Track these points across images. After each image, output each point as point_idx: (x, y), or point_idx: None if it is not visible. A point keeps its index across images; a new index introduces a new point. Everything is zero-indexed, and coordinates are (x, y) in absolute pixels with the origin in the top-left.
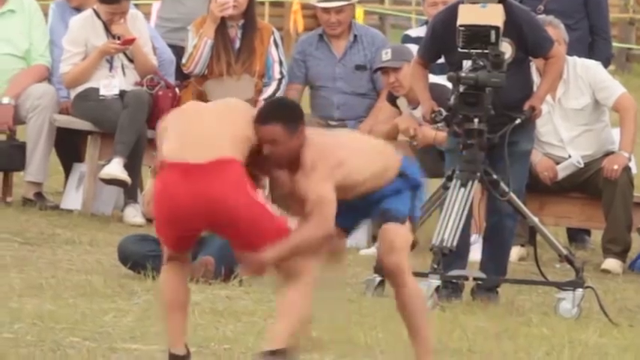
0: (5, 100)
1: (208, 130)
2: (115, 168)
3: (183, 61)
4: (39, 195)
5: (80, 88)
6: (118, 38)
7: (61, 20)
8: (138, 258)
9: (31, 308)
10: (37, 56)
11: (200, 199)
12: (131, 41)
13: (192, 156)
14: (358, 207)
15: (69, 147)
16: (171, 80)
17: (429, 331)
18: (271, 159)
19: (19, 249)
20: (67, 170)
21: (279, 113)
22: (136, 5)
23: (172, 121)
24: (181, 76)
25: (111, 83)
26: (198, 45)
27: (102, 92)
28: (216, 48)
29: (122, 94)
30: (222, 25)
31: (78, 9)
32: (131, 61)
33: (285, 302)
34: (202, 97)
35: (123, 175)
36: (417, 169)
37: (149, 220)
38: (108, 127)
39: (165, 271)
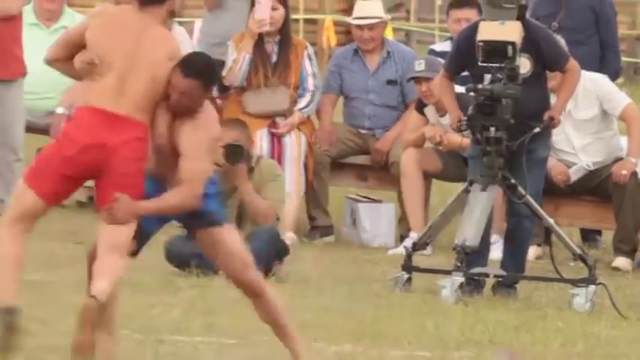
0: (59, 110)
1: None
2: None
3: (224, 74)
4: (92, 198)
5: None
6: None
7: None
8: (183, 257)
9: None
10: None
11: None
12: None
13: (111, 104)
14: None
15: None
16: (213, 92)
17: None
18: (173, 105)
19: (73, 248)
20: None
21: (202, 70)
22: (180, 23)
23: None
24: (222, 88)
25: None
26: (238, 59)
27: None
28: (254, 62)
29: None
30: (259, 41)
31: None
32: None
33: (105, 264)
34: (241, 107)
35: None
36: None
37: None
38: None
39: (9, 232)
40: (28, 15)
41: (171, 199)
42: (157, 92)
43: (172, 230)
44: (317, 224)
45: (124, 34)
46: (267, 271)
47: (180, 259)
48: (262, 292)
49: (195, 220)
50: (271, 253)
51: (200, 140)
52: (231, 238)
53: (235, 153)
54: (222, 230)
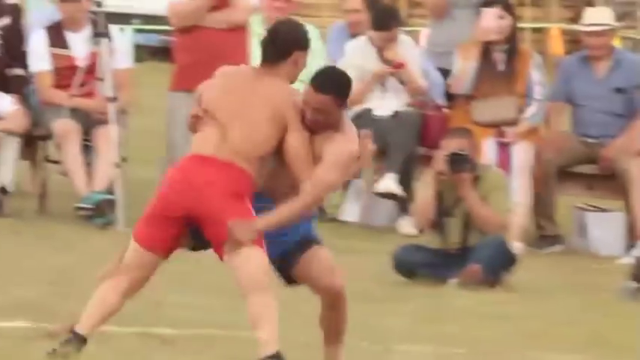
0: None
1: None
2: (389, 183)
3: (450, 82)
4: (320, 208)
5: (356, 109)
6: (390, 63)
7: (338, 44)
8: (411, 266)
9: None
10: None
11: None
12: (402, 65)
13: (211, 150)
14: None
15: None
16: (440, 101)
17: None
18: (309, 122)
19: None
20: (345, 185)
21: (333, 85)
22: (406, 32)
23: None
24: (449, 97)
25: (384, 104)
26: (464, 68)
27: (376, 112)
28: (480, 70)
29: (394, 114)
30: (486, 50)
31: (353, 35)
32: (402, 83)
33: (258, 309)
34: (468, 116)
35: (397, 189)
36: None
37: (421, 231)
38: (382, 145)
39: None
40: (257, 25)
41: (293, 205)
42: (258, 145)
43: (399, 240)
44: (545, 233)
45: (235, 89)
46: (494, 280)
47: (408, 268)
48: (345, 300)
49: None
50: (499, 263)
51: (339, 153)
52: (323, 249)
53: (459, 161)
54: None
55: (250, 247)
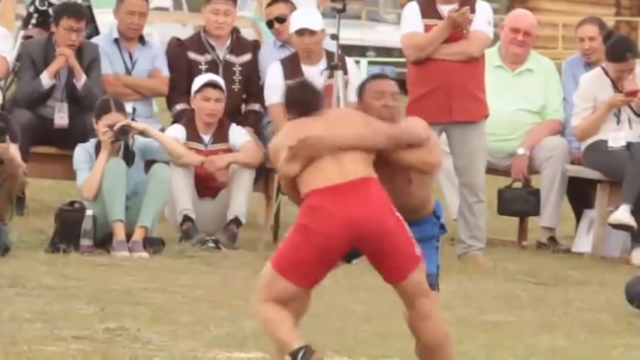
0: (521, 151)
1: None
2: (623, 214)
3: None
4: (552, 239)
5: (590, 140)
6: (622, 91)
7: (572, 77)
8: None
9: (545, 344)
10: (551, 111)
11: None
12: (635, 93)
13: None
14: None
15: (580, 194)
16: None
17: None
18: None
19: (533, 289)
20: (578, 216)
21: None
22: None
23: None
24: None
25: (618, 135)
26: None
27: (610, 144)
28: None
29: (629, 145)
30: None
31: (588, 64)
32: (638, 115)
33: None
34: None
35: (630, 220)
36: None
37: None
38: (616, 176)
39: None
40: (493, 57)
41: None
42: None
43: (633, 271)
44: None
45: (310, 127)
46: None
47: None
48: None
49: None
50: None
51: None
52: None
53: None
54: None
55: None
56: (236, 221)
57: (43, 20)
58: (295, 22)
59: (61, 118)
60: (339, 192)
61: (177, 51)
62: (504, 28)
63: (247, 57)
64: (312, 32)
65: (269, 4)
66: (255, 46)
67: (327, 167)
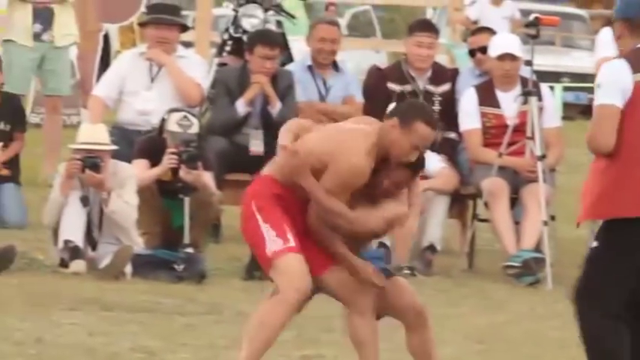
0: None
1: None
2: None
3: None
4: None
5: None
6: None
7: None
8: None
9: None
10: None
11: None
12: None
13: None
14: None
15: None
16: None
17: None
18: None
19: None
20: None
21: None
22: None
23: None
24: None
25: None
26: None
27: None
28: None
29: None
30: None
31: None
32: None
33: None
34: None
35: None
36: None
37: None
38: None
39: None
40: None
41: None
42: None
43: None
44: None
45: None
46: None
47: None
48: (429, 320)
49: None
50: None
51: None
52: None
53: None
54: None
55: None
56: (431, 248)
57: (237, 48)
58: (497, 47)
59: (256, 145)
60: None
61: (377, 80)
62: None
63: (447, 87)
64: (513, 57)
65: (473, 33)
66: (453, 75)
67: None
